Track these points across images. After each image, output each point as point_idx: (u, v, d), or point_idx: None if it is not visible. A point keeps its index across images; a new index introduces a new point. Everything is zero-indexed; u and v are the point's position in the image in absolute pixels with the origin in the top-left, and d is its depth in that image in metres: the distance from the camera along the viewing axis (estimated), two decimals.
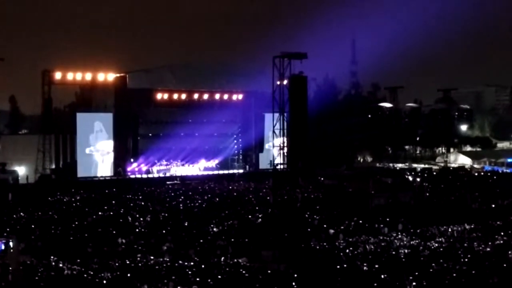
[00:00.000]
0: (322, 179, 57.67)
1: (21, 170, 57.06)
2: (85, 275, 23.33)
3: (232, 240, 30.71)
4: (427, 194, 46.42)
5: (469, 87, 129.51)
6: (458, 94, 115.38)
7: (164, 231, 32.69)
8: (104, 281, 22.44)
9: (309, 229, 33.70)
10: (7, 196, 44.31)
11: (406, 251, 28.32)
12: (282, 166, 45.03)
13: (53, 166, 57.75)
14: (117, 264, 25.36)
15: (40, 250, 27.91)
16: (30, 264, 25.01)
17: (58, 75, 56.65)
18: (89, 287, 21.58)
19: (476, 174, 65.50)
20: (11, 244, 25.90)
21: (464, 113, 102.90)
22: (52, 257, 26.29)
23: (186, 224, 34.75)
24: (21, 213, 37.78)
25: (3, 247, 25.73)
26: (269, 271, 24.02)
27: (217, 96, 65.65)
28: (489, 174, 64.83)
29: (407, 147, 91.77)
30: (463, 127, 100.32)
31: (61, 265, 25.15)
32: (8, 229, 31.94)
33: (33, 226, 33.71)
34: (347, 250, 28.48)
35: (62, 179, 55.36)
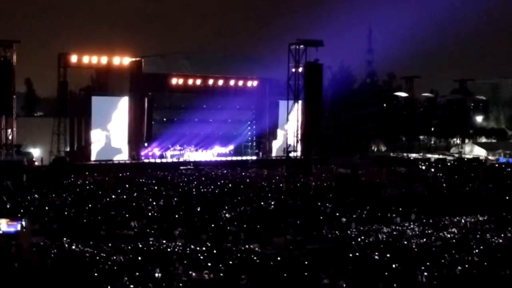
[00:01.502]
0: (335, 167, 57.59)
1: (35, 152, 57.48)
2: (98, 258, 23.48)
3: (244, 226, 30.78)
4: (441, 184, 46.22)
5: (486, 78, 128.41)
6: (474, 85, 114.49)
7: (176, 216, 32.81)
8: (116, 264, 22.58)
9: (321, 217, 33.70)
10: (22, 177, 44.63)
11: (418, 241, 28.26)
12: (295, 154, 44.85)
13: (68, 149, 58.12)
14: (129, 247, 25.50)
15: (54, 232, 28.11)
16: (43, 245, 25.21)
17: (74, 58, 56.83)
18: (102, 270, 21.69)
19: (490, 165, 65.13)
20: (23, 224, 26.13)
21: (480, 104, 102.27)
22: (65, 238, 26.48)
23: (198, 209, 34.84)
24: (35, 195, 38.03)
25: (18, 227, 25.97)
26: (279, 258, 24.05)
27: (232, 82, 65.60)
28: (503, 165, 64.47)
29: (421, 137, 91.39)
30: (479, 118, 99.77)
31: (74, 247, 25.33)
32: (22, 210, 32.21)
33: (47, 208, 33.95)
34: (359, 239, 28.48)
35: (76, 162, 55.67)
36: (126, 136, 58.91)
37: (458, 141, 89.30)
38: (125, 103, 59.14)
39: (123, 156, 58.44)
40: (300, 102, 43.58)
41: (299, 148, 46.67)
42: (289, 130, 41.62)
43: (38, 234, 27.38)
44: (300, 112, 40.53)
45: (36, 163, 54.94)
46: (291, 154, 44.86)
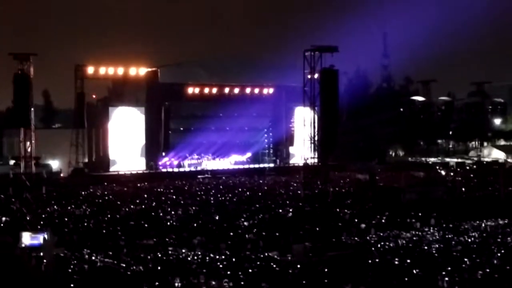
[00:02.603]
0: (353, 173, 57.41)
1: (54, 164, 57.90)
2: (117, 268, 23.55)
3: (263, 234, 30.72)
4: (460, 188, 45.90)
5: (503, 80, 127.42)
6: (492, 87, 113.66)
7: (195, 225, 32.84)
8: (136, 274, 22.63)
9: (340, 224, 33.57)
10: (41, 189, 44.94)
11: (438, 246, 28.05)
12: (313, 160, 44.79)
13: (86, 160, 58.47)
14: (148, 257, 25.55)
15: (74, 243, 28.24)
16: (64, 256, 25.32)
17: (90, 70, 57.29)
18: (121, 280, 21.76)
19: (510, 168, 64.57)
20: (46, 236, 26.26)
21: (498, 107, 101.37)
22: (85, 250, 26.60)
23: (217, 218, 34.85)
24: (55, 207, 38.26)
25: (41, 240, 26.08)
26: (299, 266, 23.98)
27: (248, 90, 65.71)
28: None
29: (439, 141, 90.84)
30: (497, 121, 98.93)
31: (93, 257, 25.43)
32: (42, 223, 32.41)
33: (66, 219, 34.14)
34: (379, 245, 28.30)
35: (94, 173, 55.99)
36: (143, 146, 59.06)
37: (477, 144, 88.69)
38: (142, 113, 59.40)
39: (141, 166, 58.60)
40: (316, 108, 43.53)
41: (316, 154, 46.70)
42: (306, 137, 41.57)
43: (58, 246, 27.49)
44: (316, 118, 40.51)
45: (62, 175, 55.27)
46: (309, 161, 44.77)
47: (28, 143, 52.84)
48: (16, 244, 26.18)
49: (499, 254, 25.77)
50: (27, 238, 26.25)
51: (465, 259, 24.64)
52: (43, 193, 44.20)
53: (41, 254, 24.85)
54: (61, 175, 55.42)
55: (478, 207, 37.69)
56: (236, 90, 65.08)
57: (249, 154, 64.94)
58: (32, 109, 52.89)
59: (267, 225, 32.96)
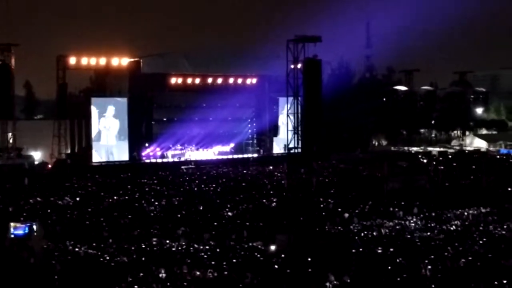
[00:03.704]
0: (336, 163, 57.59)
1: (36, 155, 57.51)
2: (101, 259, 23.51)
3: (247, 224, 30.79)
4: (443, 177, 46.23)
5: (485, 70, 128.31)
6: (474, 77, 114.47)
7: (179, 215, 32.84)
8: (120, 265, 22.61)
9: (323, 213, 33.72)
10: (23, 180, 44.68)
11: (421, 234, 28.28)
12: (296, 150, 44.87)
13: (69, 151, 58.13)
14: (132, 248, 25.53)
15: (57, 234, 28.13)
16: (47, 248, 25.23)
17: (72, 60, 56.84)
18: (106, 271, 21.72)
19: (491, 157, 65.14)
20: (34, 227, 26.18)
21: (480, 96, 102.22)
22: (68, 241, 26.51)
23: (201, 208, 34.87)
24: (38, 198, 38.06)
25: (27, 230, 25.99)
26: (283, 255, 24.07)
27: (231, 80, 65.56)
28: (504, 157, 64.47)
29: (422, 130, 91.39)
30: (479, 110, 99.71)
31: (77, 249, 25.36)
32: (24, 214, 32.21)
33: (49, 210, 33.97)
34: (362, 234, 28.49)
35: (77, 164, 55.69)
36: (126, 137, 58.76)
37: (459, 134, 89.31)
38: (124, 103, 59.03)
39: (124, 157, 58.31)
40: (299, 98, 43.56)
41: (299, 144, 46.75)
42: (289, 127, 41.58)
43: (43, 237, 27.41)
44: (300, 108, 40.53)
45: (49, 166, 54.80)
46: (292, 151, 44.82)
47: (10, 134, 52.54)
48: (5, 235, 26.10)
49: (481, 242, 26.04)
50: (11, 228, 26.21)
51: (448, 247, 24.89)
52: (25, 184, 43.93)
53: (30, 245, 24.82)
54: (49, 166, 54.92)
55: (460, 196, 38.04)
56: (219, 81, 64.89)
57: (232, 145, 64.89)
58: (14, 100, 52.50)
59: (251, 215, 33.06)
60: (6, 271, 21.61)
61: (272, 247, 25.46)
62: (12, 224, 26.63)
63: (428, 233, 28.58)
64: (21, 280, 20.86)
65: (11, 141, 52.61)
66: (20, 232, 26.11)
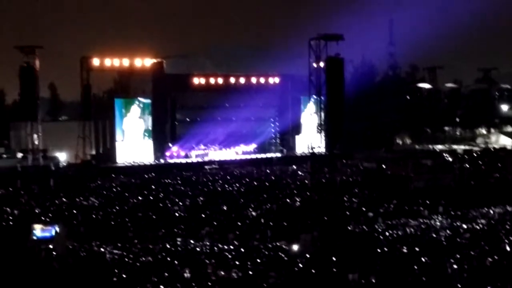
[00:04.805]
0: (360, 162, 57.31)
1: (62, 157, 58.00)
2: (126, 259, 23.64)
3: (271, 223, 30.77)
4: (468, 175, 45.81)
5: (511, 67, 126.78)
6: (499, 73, 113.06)
7: (203, 216, 32.91)
8: (145, 265, 22.72)
9: (348, 213, 33.59)
10: (49, 182, 45.09)
11: (446, 233, 28.05)
12: (319, 150, 44.76)
13: (93, 152, 58.56)
14: (157, 248, 25.64)
15: (82, 235, 28.35)
16: (72, 249, 25.44)
17: (96, 62, 57.27)
18: (131, 271, 21.84)
19: None
20: (57, 229, 26.39)
21: (505, 93, 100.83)
22: (93, 241, 26.70)
23: (224, 208, 34.91)
24: (63, 199, 38.39)
25: (53, 232, 26.18)
26: (307, 255, 24.02)
27: (253, 80, 65.61)
28: None
29: (446, 128, 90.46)
30: (504, 107, 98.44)
31: (102, 249, 25.54)
32: (50, 215, 32.53)
33: (74, 211, 34.26)
34: (387, 233, 28.32)
35: (102, 165, 56.09)
36: (150, 137, 59.05)
37: (484, 131, 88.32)
38: (148, 104, 59.36)
39: (148, 157, 58.63)
40: (322, 97, 43.43)
41: (323, 143, 46.68)
42: (312, 126, 41.53)
43: (68, 238, 27.62)
44: (323, 107, 40.44)
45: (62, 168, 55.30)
46: (315, 150, 44.72)
47: (35, 136, 53.05)
48: (28, 237, 26.31)
49: (507, 241, 25.75)
50: (38, 231, 26.38)
51: (474, 247, 24.64)
52: (51, 186, 44.34)
53: (51, 246, 25.00)
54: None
55: (486, 194, 37.64)
56: (242, 80, 64.98)
57: (255, 145, 64.88)
58: (39, 102, 52.99)
59: (275, 215, 33.01)
60: (26, 272, 21.77)
61: (296, 247, 25.42)
62: (36, 226, 26.79)
63: (454, 232, 28.33)
64: (40, 282, 21.00)
65: (36, 142, 53.08)
66: (46, 234, 26.26)
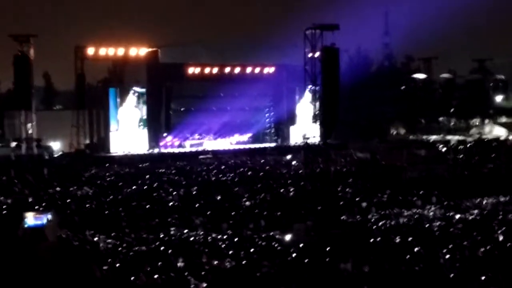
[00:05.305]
0: (354, 152, 57.33)
1: (56, 146, 57.89)
2: (120, 249, 23.67)
3: (265, 213, 30.83)
4: (462, 166, 45.91)
5: (505, 57, 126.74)
6: (494, 64, 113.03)
7: (197, 205, 32.94)
8: (139, 254, 22.76)
9: (341, 203, 33.66)
10: (43, 171, 45.02)
11: (439, 223, 28.15)
12: (314, 140, 44.84)
13: (87, 141, 58.45)
14: (151, 237, 25.68)
15: (76, 224, 28.37)
16: (66, 238, 25.45)
17: (90, 51, 56.97)
18: (124, 260, 21.88)
19: (511, 145, 64.44)
20: (49, 217, 26.36)
21: (500, 84, 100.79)
22: (87, 231, 26.71)
23: (218, 198, 34.94)
24: (57, 188, 38.35)
25: (45, 220, 26.13)
26: (301, 245, 24.09)
27: (248, 69, 65.43)
28: None
29: (441, 118, 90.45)
30: (499, 98, 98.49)
31: (96, 239, 25.56)
32: (44, 204, 32.51)
33: (68, 200, 34.23)
34: (380, 223, 28.42)
35: (96, 154, 56.00)
36: (144, 127, 58.96)
37: (478, 122, 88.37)
38: (142, 93, 59.22)
39: (142, 147, 58.53)
40: (317, 87, 43.42)
41: (317, 133, 46.71)
42: (307, 116, 41.55)
43: (61, 227, 27.61)
44: (317, 97, 40.44)
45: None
46: (310, 140, 44.79)
47: (29, 125, 52.93)
48: (19, 225, 26.27)
49: (500, 231, 25.87)
50: (30, 219, 26.31)
51: (467, 237, 24.75)
52: (45, 175, 44.26)
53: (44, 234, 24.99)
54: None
55: (479, 185, 37.75)
56: (237, 70, 64.76)
57: (249, 134, 64.82)
58: (33, 91, 52.83)
59: (269, 205, 33.08)
60: (18, 261, 21.76)
61: (290, 237, 25.50)
62: (27, 214, 26.70)
63: (447, 222, 28.44)
64: (30, 271, 20.98)
65: (30, 131, 52.97)
66: (38, 222, 26.20)
